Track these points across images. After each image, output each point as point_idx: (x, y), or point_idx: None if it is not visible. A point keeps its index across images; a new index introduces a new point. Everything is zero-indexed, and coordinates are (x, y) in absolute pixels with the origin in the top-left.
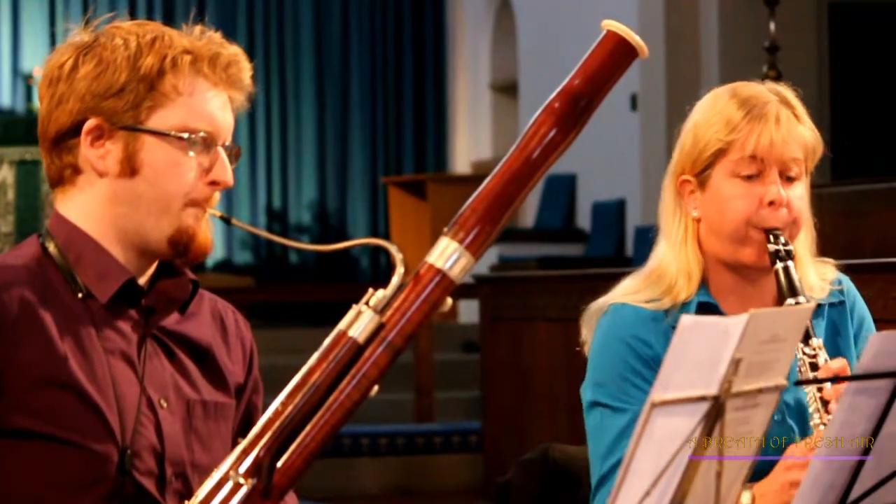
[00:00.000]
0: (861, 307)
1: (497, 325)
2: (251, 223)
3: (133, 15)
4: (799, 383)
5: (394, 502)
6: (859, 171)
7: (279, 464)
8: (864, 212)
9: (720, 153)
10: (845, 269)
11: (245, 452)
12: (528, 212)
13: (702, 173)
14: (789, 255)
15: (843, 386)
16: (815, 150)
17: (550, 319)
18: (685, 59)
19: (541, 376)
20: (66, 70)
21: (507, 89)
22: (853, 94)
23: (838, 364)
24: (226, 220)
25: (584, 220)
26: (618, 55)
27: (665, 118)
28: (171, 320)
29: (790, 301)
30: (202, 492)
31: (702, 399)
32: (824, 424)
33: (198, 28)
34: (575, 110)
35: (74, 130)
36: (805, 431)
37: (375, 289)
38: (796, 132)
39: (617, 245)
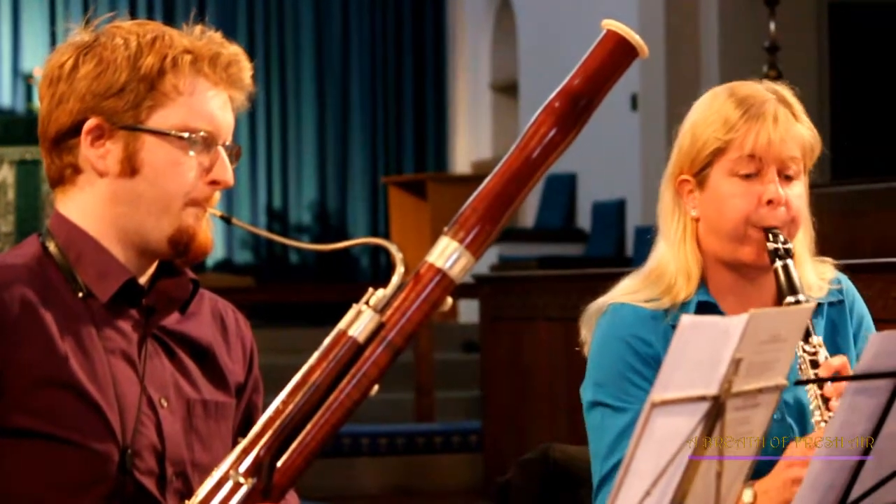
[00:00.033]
0: (860, 306)
1: (497, 324)
2: (251, 223)
3: (133, 15)
4: (799, 383)
5: (394, 502)
6: (859, 171)
7: (279, 463)
8: (863, 212)
9: (718, 152)
10: (844, 269)
11: (245, 452)
12: (529, 211)
13: (700, 173)
14: (788, 254)
15: (844, 383)
16: (813, 149)
17: (550, 319)
18: (685, 59)
19: (541, 376)
20: (67, 70)
21: (507, 89)
22: (853, 94)
23: (839, 361)
24: (226, 220)
25: (584, 219)
26: (618, 55)
27: (665, 118)
28: (172, 320)
29: (790, 299)
30: (202, 491)
31: (702, 399)
32: (825, 422)
33: (198, 28)
34: (575, 110)
35: (75, 130)
36: (804, 430)
37: (375, 288)
38: (794, 131)
39: (617, 245)
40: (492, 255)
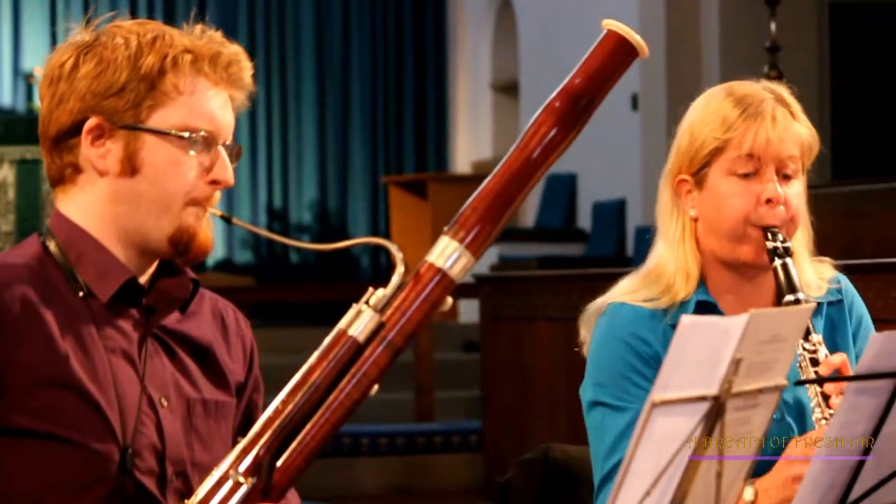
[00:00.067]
0: (859, 306)
1: (497, 324)
2: (252, 222)
3: (134, 14)
4: (800, 383)
5: (394, 502)
6: (859, 171)
7: (279, 463)
8: (864, 212)
9: (717, 152)
10: (845, 270)
11: (245, 451)
12: (529, 211)
13: (698, 172)
14: (787, 252)
15: None
16: (811, 148)
17: (550, 319)
18: (685, 59)
19: (541, 376)
20: (67, 69)
21: (507, 89)
22: (853, 94)
23: (839, 359)
24: (226, 220)
25: (584, 219)
26: (618, 55)
27: (665, 118)
28: (172, 319)
29: (789, 297)
30: (202, 490)
31: (702, 399)
32: (826, 419)
33: (198, 27)
34: (575, 110)
35: (75, 130)
36: (804, 430)
37: (375, 288)
38: (792, 130)
39: (617, 245)
40: (492, 255)
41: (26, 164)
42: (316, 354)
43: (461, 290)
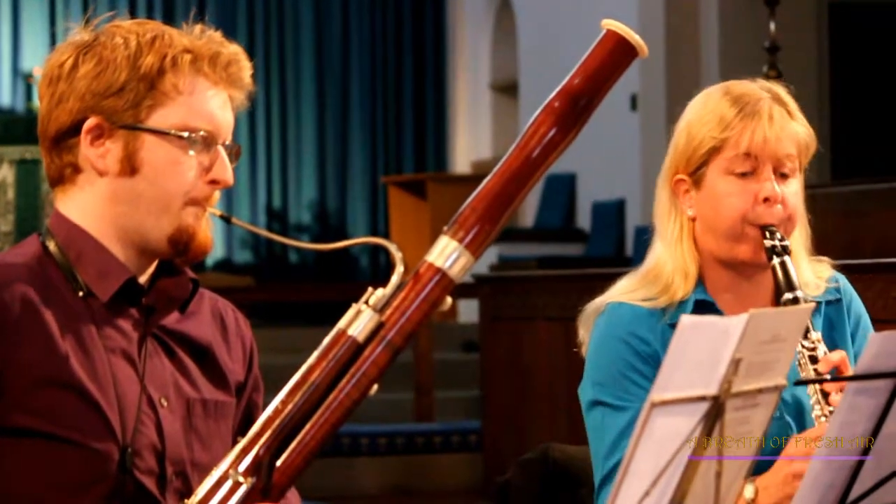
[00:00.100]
0: (858, 305)
1: (497, 324)
2: (251, 222)
3: (133, 14)
4: (799, 383)
5: (393, 502)
6: (859, 171)
7: (279, 462)
8: (864, 212)
9: (714, 151)
10: (845, 270)
11: (245, 451)
12: (528, 211)
13: (696, 172)
14: (786, 251)
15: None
16: (808, 147)
17: (550, 319)
18: (685, 59)
19: (541, 376)
20: (66, 69)
21: (507, 89)
22: (853, 94)
23: (838, 356)
24: (226, 219)
25: (583, 219)
26: (618, 54)
27: (665, 118)
28: (172, 319)
29: (788, 296)
30: (202, 490)
31: (702, 399)
32: (825, 416)
33: (198, 27)
34: (575, 109)
35: (74, 129)
36: (803, 428)
37: (375, 288)
38: (789, 129)
39: (617, 245)
40: (491, 255)
41: (26, 164)
42: (315, 354)
43: (461, 290)
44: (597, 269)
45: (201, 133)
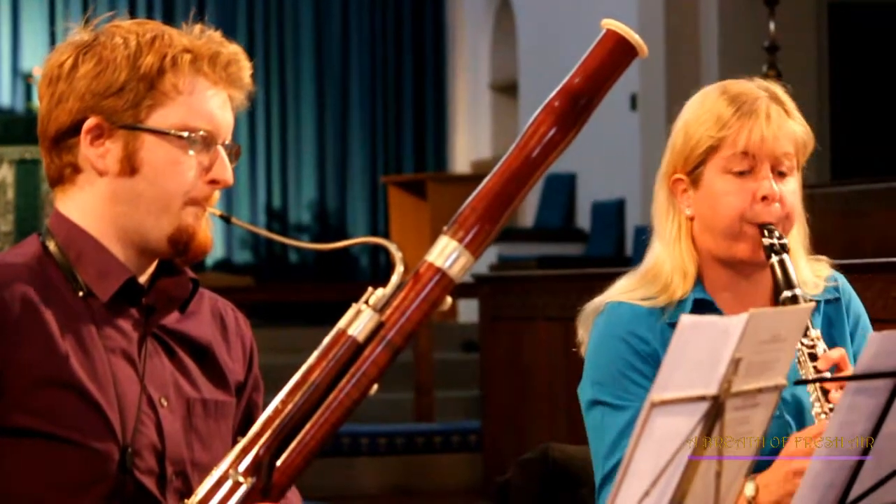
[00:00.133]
0: (857, 305)
1: (497, 324)
2: (251, 222)
3: (133, 14)
4: (799, 383)
5: (393, 502)
6: (859, 171)
7: (279, 462)
8: (863, 212)
9: (711, 150)
10: (844, 269)
11: (245, 451)
12: (528, 211)
13: (694, 171)
14: (784, 249)
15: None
16: (805, 145)
17: (550, 319)
18: (685, 59)
19: (540, 376)
20: (66, 69)
21: (507, 89)
22: (853, 94)
23: (837, 353)
24: (226, 219)
25: (583, 219)
26: (617, 54)
27: (665, 118)
28: (172, 319)
29: (787, 294)
30: (202, 490)
31: (701, 399)
32: (825, 414)
33: (197, 27)
34: (574, 109)
35: (74, 129)
36: (802, 427)
37: (375, 288)
38: (787, 127)
39: (616, 245)
40: (491, 255)
41: (25, 164)
42: (315, 354)
43: (460, 290)
44: (596, 268)
45: (201, 133)
